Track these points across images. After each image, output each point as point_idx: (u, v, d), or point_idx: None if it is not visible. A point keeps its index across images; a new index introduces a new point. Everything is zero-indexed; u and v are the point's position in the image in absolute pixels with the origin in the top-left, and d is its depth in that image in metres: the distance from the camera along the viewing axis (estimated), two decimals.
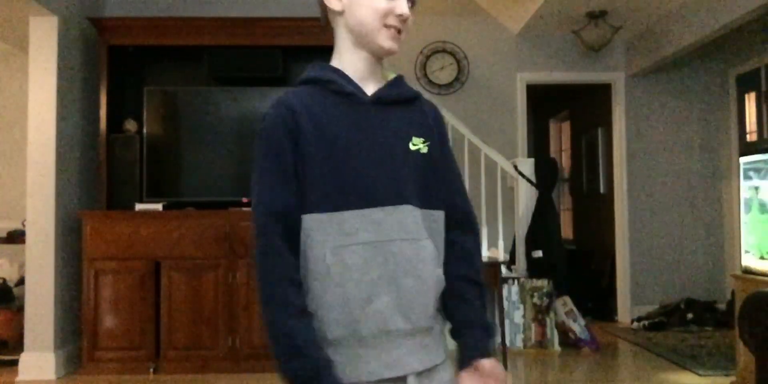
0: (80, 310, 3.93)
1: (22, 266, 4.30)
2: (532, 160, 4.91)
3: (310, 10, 4.50)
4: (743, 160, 3.52)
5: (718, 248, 5.67)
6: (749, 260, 3.40)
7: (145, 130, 4.20)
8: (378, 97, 1.19)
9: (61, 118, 3.94)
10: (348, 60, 1.21)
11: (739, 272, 3.52)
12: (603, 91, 5.94)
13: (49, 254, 3.82)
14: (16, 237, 4.45)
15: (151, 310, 3.90)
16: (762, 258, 3.30)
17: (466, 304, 1.21)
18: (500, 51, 5.65)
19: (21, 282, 4.34)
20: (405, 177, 1.16)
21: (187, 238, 3.91)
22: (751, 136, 5.37)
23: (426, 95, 5.16)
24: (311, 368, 1.06)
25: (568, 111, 7.70)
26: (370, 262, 1.09)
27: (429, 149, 1.21)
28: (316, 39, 4.20)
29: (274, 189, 1.12)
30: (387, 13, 1.16)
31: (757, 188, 3.40)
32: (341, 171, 1.12)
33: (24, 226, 4.00)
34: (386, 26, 1.16)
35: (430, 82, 5.61)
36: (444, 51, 5.62)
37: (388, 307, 1.09)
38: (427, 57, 5.62)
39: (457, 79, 5.59)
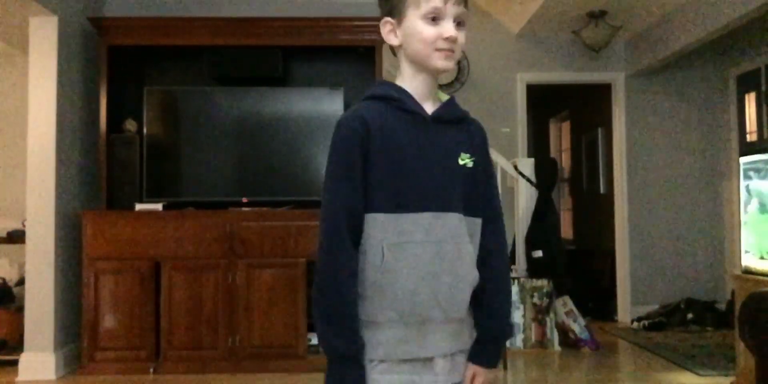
0: (80, 310, 3.92)
1: (22, 266, 4.30)
2: (532, 160, 4.91)
3: (310, 10, 4.53)
4: (743, 160, 3.52)
5: (718, 248, 5.67)
6: (749, 260, 3.40)
7: (145, 130, 4.20)
8: (437, 116, 1.35)
9: (61, 118, 3.94)
10: (410, 83, 1.36)
11: (739, 272, 3.52)
12: (603, 91, 5.94)
13: (49, 254, 3.82)
14: (16, 237, 4.44)
15: (151, 310, 3.90)
16: (762, 258, 3.30)
17: (486, 306, 1.38)
18: (500, 51, 5.65)
19: (21, 282, 4.34)
20: (453, 188, 1.33)
21: (187, 238, 3.91)
22: (751, 136, 5.37)
23: None
24: (354, 350, 1.24)
25: (568, 111, 7.70)
26: (419, 259, 1.27)
27: (474, 164, 1.37)
28: (316, 39, 4.22)
29: (344, 190, 1.27)
30: (436, 39, 1.29)
31: (754, 188, 3.40)
32: (402, 178, 1.28)
33: (24, 226, 4.00)
34: (438, 50, 1.29)
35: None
36: None
37: (429, 299, 1.27)
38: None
39: (457, 79, 5.59)
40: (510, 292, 1.44)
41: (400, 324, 1.27)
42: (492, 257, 1.39)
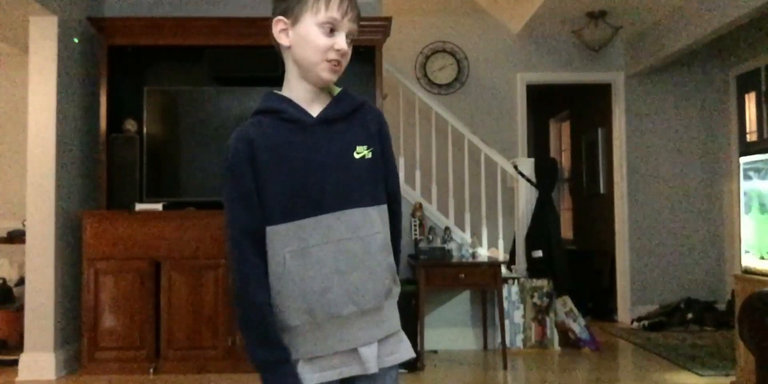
0: (80, 310, 3.92)
1: (22, 266, 4.30)
2: (532, 160, 4.91)
3: None
4: (743, 160, 3.52)
5: (718, 248, 5.67)
6: (749, 260, 3.40)
7: (145, 130, 4.20)
8: (321, 119, 1.36)
9: (61, 118, 3.94)
10: (295, 88, 1.39)
11: (739, 272, 3.52)
12: (603, 91, 5.94)
13: (49, 254, 3.82)
14: (16, 237, 4.44)
15: (151, 310, 3.90)
16: (762, 258, 3.30)
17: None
18: (500, 51, 5.65)
19: (21, 282, 4.34)
20: (353, 183, 1.34)
21: (187, 238, 3.91)
22: (751, 136, 5.37)
23: (426, 95, 5.15)
24: (278, 355, 1.29)
25: (568, 111, 7.70)
26: (323, 260, 1.29)
27: (373, 153, 1.38)
28: None
29: (240, 211, 1.32)
30: (328, 49, 1.32)
31: (754, 188, 3.40)
32: (294, 187, 1.31)
33: (24, 226, 4.00)
34: (327, 61, 1.32)
35: (430, 82, 5.61)
36: (444, 51, 5.63)
37: (340, 296, 1.29)
38: (427, 57, 5.62)
39: (457, 79, 5.59)
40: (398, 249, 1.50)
41: (314, 325, 1.30)
42: (398, 236, 1.46)
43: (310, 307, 1.29)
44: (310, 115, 1.36)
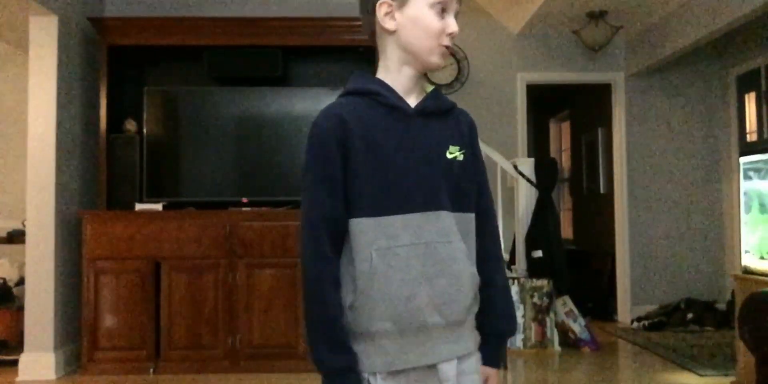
0: (80, 310, 3.92)
1: (22, 266, 4.30)
2: (532, 160, 4.91)
3: (310, 10, 4.53)
4: (743, 160, 3.52)
5: (718, 248, 5.67)
6: (749, 260, 3.40)
7: (145, 130, 4.20)
8: (421, 109, 1.26)
9: (61, 118, 3.94)
10: (394, 76, 1.28)
11: (739, 272, 3.52)
12: (603, 91, 5.94)
13: (49, 254, 3.82)
14: (16, 237, 4.44)
15: (151, 310, 3.90)
16: (762, 258, 3.30)
17: (497, 312, 1.34)
18: (500, 51, 5.65)
19: (21, 282, 4.34)
20: (441, 184, 1.25)
21: (187, 238, 3.91)
22: (751, 136, 5.37)
23: None
24: (346, 362, 1.19)
25: (568, 111, 7.70)
26: (410, 263, 1.19)
27: (464, 156, 1.29)
28: (316, 39, 4.21)
29: (323, 197, 1.20)
30: (440, 33, 1.22)
31: (754, 188, 3.40)
32: (386, 179, 1.21)
33: (24, 226, 4.00)
34: (440, 45, 1.23)
35: (430, 82, 5.61)
36: None
37: (426, 304, 1.19)
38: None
39: (457, 79, 5.59)
40: (509, 287, 1.40)
41: (397, 333, 1.19)
42: (489, 255, 1.33)
43: (394, 313, 1.18)
44: (408, 104, 1.26)
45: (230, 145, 4.24)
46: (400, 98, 1.26)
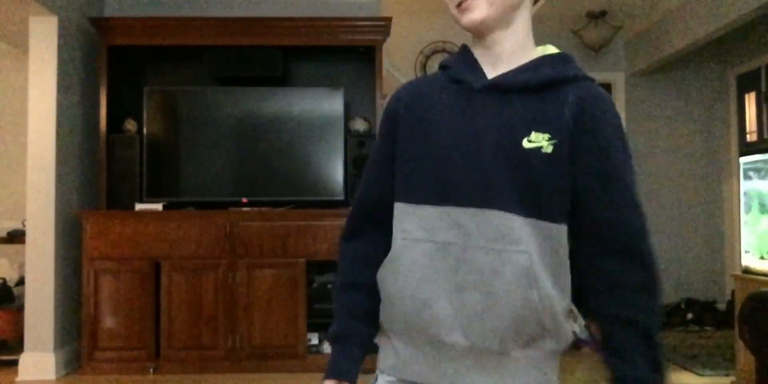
0: (80, 310, 3.92)
1: (22, 266, 4.30)
2: None
3: (310, 10, 4.52)
4: (743, 160, 3.52)
5: (718, 248, 5.67)
6: (749, 260, 3.40)
7: (145, 130, 4.20)
8: (492, 84, 1.04)
9: (61, 118, 3.94)
10: (473, 47, 1.12)
11: (739, 272, 3.52)
12: None
13: (49, 254, 3.82)
14: (16, 237, 4.44)
15: (151, 310, 3.90)
16: (762, 258, 3.30)
17: (618, 355, 1.07)
18: None
19: (21, 282, 4.34)
20: (501, 177, 1.00)
21: (187, 238, 3.91)
22: (751, 136, 5.37)
23: None
24: (338, 330, 1.14)
25: None
26: (437, 264, 1.02)
27: (555, 148, 1.01)
28: (316, 39, 4.21)
29: (368, 178, 1.16)
30: None
31: (754, 188, 3.40)
32: (429, 164, 1.05)
33: (24, 226, 4.00)
34: (456, 6, 1.05)
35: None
36: (444, 51, 5.62)
37: (447, 317, 1.00)
38: (427, 57, 5.62)
39: None
40: (649, 333, 1.03)
41: (408, 339, 1.06)
42: (606, 284, 1.03)
43: (406, 316, 1.04)
44: (483, 77, 1.06)
45: (230, 145, 4.24)
46: (478, 71, 1.07)
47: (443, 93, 1.08)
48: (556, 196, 1.02)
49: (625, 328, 1.04)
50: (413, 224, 1.05)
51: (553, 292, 1.01)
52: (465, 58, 1.09)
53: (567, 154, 1.01)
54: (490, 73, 1.06)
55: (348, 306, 1.14)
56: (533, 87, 1.03)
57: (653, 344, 1.03)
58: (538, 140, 1.01)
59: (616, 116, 1.06)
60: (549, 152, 1.00)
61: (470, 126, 1.03)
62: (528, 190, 1.00)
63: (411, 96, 1.12)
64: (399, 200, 1.08)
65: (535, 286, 0.99)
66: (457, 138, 1.04)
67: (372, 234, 1.14)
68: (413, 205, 1.05)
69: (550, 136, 1.01)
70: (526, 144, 1.01)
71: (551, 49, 1.09)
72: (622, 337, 1.05)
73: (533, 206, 1.01)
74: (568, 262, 1.04)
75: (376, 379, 1.12)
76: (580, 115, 1.02)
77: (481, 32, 1.06)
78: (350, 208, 1.20)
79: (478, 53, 1.09)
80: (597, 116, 1.03)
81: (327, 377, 1.11)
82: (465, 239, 1.01)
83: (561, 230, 1.03)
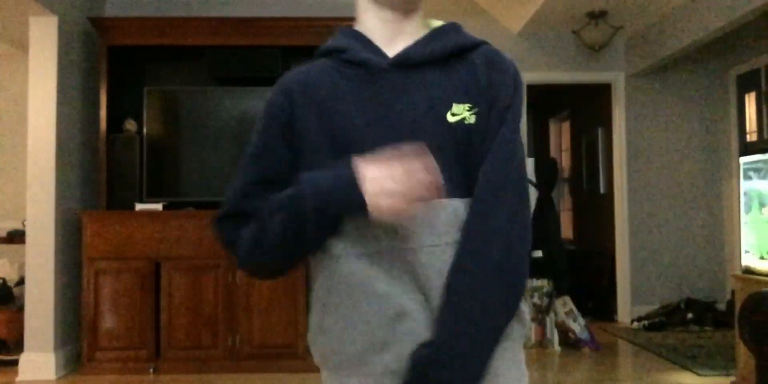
0: (80, 310, 3.92)
1: (22, 266, 4.29)
2: (532, 160, 4.91)
3: (310, 10, 4.52)
4: (743, 160, 3.52)
5: (718, 248, 5.67)
6: (749, 260, 3.40)
7: (145, 130, 4.20)
8: (399, 61, 0.95)
9: (61, 118, 3.94)
10: (366, 20, 1.00)
11: (739, 272, 3.53)
12: (603, 91, 5.94)
13: (49, 254, 3.82)
14: (16, 237, 4.44)
15: (151, 310, 3.90)
16: (762, 258, 3.30)
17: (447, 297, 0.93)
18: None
19: (21, 282, 4.34)
20: (440, 159, 0.88)
21: (187, 238, 3.91)
22: (751, 136, 5.37)
23: None
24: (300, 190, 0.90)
25: (568, 111, 7.70)
26: (395, 274, 0.91)
27: (477, 118, 0.93)
28: (316, 39, 4.21)
29: (242, 188, 0.98)
30: None
31: (754, 188, 3.40)
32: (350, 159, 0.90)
33: (24, 226, 4.00)
34: None
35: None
36: None
37: (422, 327, 0.90)
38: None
39: None
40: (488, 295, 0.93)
41: (377, 364, 0.94)
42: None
43: (375, 339, 0.91)
44: (384, 56, 0.96)
45: (230, 145, 4.24)
46: (375, 50, 0.96)
47: (341, 80, 0.95)
48: (478, 167, 0.94)
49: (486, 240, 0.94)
50: (352, 239, 0.92)
51: None
52: (357, 39, 0.98)
53: (489, 122, 0.94)
54: (389, 52, 0.97)
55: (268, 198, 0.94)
56: (443, 57, 0.96)
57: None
58: (460, 112, 0.93)
59: (518, 73, 0.99)
60: (473, 123, 0.93)
61: (387, 111, 0.93)
62: (462, 168, 0.93)
63: (302, 88, 0.97)
64: None
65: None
66: (372, 128, 0.93)
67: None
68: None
69: (470, 105, 0.94)
70: (450, 118, 0.93)
71: (437, 22, 1.03)
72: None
73: (467, 183, 0.93)
74: None
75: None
76: (492, 78, 0.96)
77: (411, 7, 0.99)
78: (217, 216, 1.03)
79: (374, 32, 0.98)
80: (504, 76, 0.97)
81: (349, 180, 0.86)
82: (412, 241, 0.91)
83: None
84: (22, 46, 4.44)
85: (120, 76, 4.27)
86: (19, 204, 4.53)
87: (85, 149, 4.23)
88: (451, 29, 1.00)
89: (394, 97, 0.94)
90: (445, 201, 0.91)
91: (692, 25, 4.60)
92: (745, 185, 3.48)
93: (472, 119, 0.93)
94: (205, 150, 4.21)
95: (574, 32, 5.23)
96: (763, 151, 3.45)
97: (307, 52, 4.95)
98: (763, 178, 3.35)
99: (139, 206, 4.00)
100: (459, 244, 0.92)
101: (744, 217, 3.49)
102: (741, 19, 4.09)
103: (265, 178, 0.96)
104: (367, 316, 0.92)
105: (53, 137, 3.86)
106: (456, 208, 0.92)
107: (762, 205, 3.35)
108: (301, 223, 0.90)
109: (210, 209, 4.04)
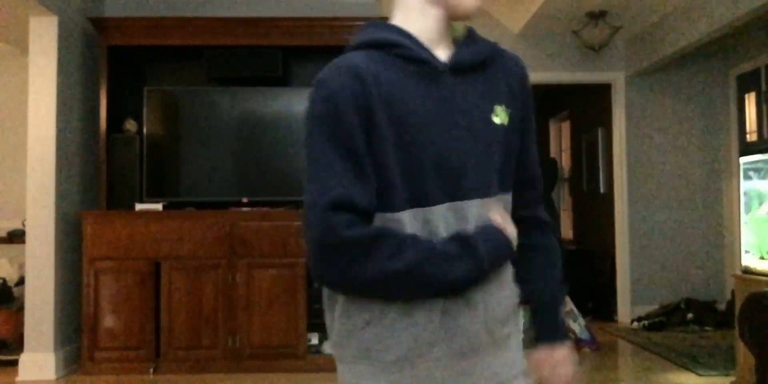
0: (80, 310, 3.92)
1: (22, 266, 4.29)
2: None
3: (310, 10, 4.52)
4: (743, 160, 3.52)
5: (718, 248, 5.67)
6: (749, 260, 3.40)
7: (145, 130, 4.20)
8: (457, 64, 0.98)
9: (61, 118, 3.94)
10: (416, 20, 0.99)
11: (739, 272, 3.52)
12: (603, 91, 5.94)
13: (49, 254, 3.82)
14: (16, 237, 4.44)
15: (151, 310, 3.90)
16: (762, 258, 3.30)
17: (537, 275, 1.13)
18: None
19: (21, 282, 4.34)
20: (489, 162, 0.98)
21: (187, 238, 3.91)
22: (751, 136, 5.37)
23: None
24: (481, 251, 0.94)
25: (568, 111, 7.70)
26: None
27: (510, 119, 1.01)
28: (316, 39, 4.21)
29: (337, 180, 0.88)
30: None
31: (754, 188, 3.40)
32: (420, 158, 0.93)
33: (24, 226, 4.00)
34: None
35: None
36: None
37: (475, 322, 0.97)
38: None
39: None
40: (557, 249, 1.17)
41: (427, 360, 0.99)
42: (538, 224, 1.11)
43: (431, 334, 0.96)
44: (438, 59, 0.97)
45: (230, 145, 4.24)
46: (428, 51, 0.97)
47: (405, 75, 0.95)
48: (511, 164, 1.03)
49: (553, 252, 1.15)
50: (423, 232, 0.94)
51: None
52: (407, 37, 0.97)
53: (517, 124, 1.03)
54: (435, 52, 1.00)
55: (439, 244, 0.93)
56: (482, 62, 1.01)
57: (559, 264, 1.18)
58: (500, 113, 1.00)
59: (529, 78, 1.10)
60: (506, 123, 1.01)
61: (447, 110, 0.96)
62: (501, 167, 1.00)
63: (373, 79, 0.93)
64: (392, 210, 0.93)
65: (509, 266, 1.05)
66: (439, 126, 0.95)
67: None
68: (413, 210, 0.93)
69: (505, 106, 1.01)
70: (494, 120, 1.00)
71: (457, 25, 1.05)
72: (540, 261, 1.14)
73: (504, 180, 1.02)
74: None
75: None
76: (522, 84, 1.06)
77: (460, 18, 1.03)
78: (312, 220, 0.90)
79: (421, 30, 0.99)
80: (526, 81, 1.09)
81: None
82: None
83: (510, 199, 1.05)
84: (22, 46, 4.44)
85: (120, 76, 4.27)
86: (19, 204, 4.53)
87: (85, 149, 4.23)
88: (475, 34, 1.05)
89: (452, 99, 0.97)
90: (492, 198, 0.99)
91: (692, 25, 4.59)
92: (745, 185, 3.48)
93: (506, 119, 1.00)
94: (205, 150, 4.21)
95: (574, 32, 5.23)
96: (763, 151, 3.45)
97: (307, 52, 4.96)
98: (763, 178, 3.35)
99: (139, 206, 4.00)
100: (540, 246, 1.12)
101: (744, 217, 3.49)
102: (741, 19, 4.09)
103: (356, 163, 0.91)
104: (420, 311, 0.94)
105: (53, 137, 3.86)
106: (507, 202, 1.03)
107: (762, 204, 3.35)
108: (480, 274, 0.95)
109: (210, 209, 4.04)
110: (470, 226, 0.95)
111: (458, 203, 0.95)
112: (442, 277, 0.90)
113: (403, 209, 0.92)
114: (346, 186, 0.88)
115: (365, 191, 0.89)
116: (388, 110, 0.92)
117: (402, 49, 0.96)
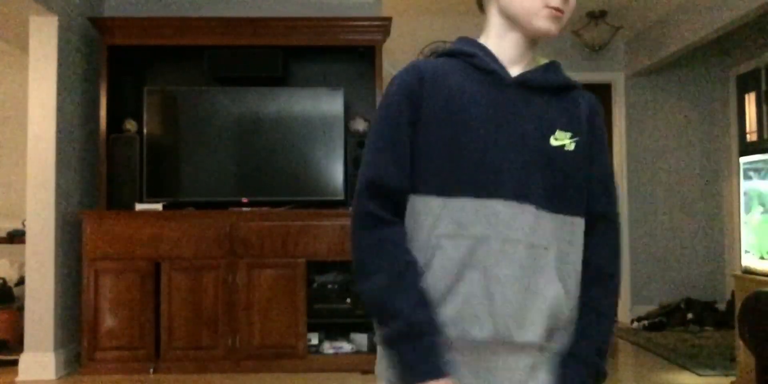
0: (80, 310, 3.92)
1: (22, 266, 4.30)
2: None
3: (310, 10, 4.52)
4: (743, 160, 3.52)
5: (718, 248, 5.67)
6: (749, 260, 3.40)
7: (145, 130, 4.20)
8: (523, 80, 1.07)
9: (61, 118, 3.94)
10: (496, 43, 1.10)
11: (739, 272, 3.52)
12: (603, 91, 5.94)
13: (49, 254, 3.82)
14: (16, 237, 4.44)
15: (151, 310, 3.90)
16: (762, 258, 3.30)
17: (580, 328, 1.08)
18: None
19: (21, 282, 4.34)
20: (536, 175, 1.03)
21: (187, 238, 3.91)
22: (751, 136, 5.37)
23: None
24: (417, 323, 0.98)
25: None
26: (482, 259, 1.00)
27: (576, 146, 1.07)
28: (316, 39, 4.21)
29: (380, 162, 1.03)
30: None
31: (754, 188, 3.40)
32: (464, 152, 1.02)
33: (24, 226, 4.00)
34: (548, 7, 1.04)
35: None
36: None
37: (483, 313, 0.99)
38: (427, 57, 5.60)
39: None
40: (611, 318, 1.11)
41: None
42: (599, 272, 1.09)
43: (450, 316, 1.00)
44: (507, 72, 1.07)
45: (230, 145, 4.24)
46: (498, 64, 1.07)
47: (469, 80, 1.06)
48: (577, 191, 1.08)
49: (601, 319, 1.10)
50: (444, 219, 1.01)
51: (574, 287, 1.06)
52: (484, 51, 1.09)
53: (586, 152, 1.09)
54: (510, 71, 1.09)
55: (417, 291, 0.99)
56: (556, 88, 1.10)
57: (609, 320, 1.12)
58: (562, 138, 1.07)
59: (602, 116, 1.17)
60: (571, 150, 1.07)
61: (506, 119, 1.04)
62: (554, 187, 1.05)
63: (434, 78, 1.06)
64: (423, 192, 1.02)
65: (567, 280, 1.04)
66: (490, 129, 1.03)
67: (400, 225, 1.03)
68: (445, 198, 1.01)
69: (572, 134, 1.07)
70: (552, 142, 1.06)
71: (543, 59, 1.14)
72: (595, 326, 1.10)
73: (557, 201, 1.05)
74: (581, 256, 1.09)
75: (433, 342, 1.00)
76: (593, 120, 1.12)
77: (537, 40, 1.11)
78: (359, 189, 1.05)
79: (500, 50, 1.10)
80: (599, 119, 1.15)
81: (428, 378, 0.97)
82: (503, 233, 1.01)
83: (578, 223, 1.08)
84: (22, 46, 4.44)
85: (120, 76, 4.27)
86: (19, 204, 4.53)
87: (85, 149, 4.23)
88: (559, 66, 1.12)
89: (512, 110, 1.05)
90: (533, 208, 1.03)
91: (692, 25, 4.60)
92: (745, 185, 3.48)
93: (571, 146, 1.07)
94: (205, 150, 4.21)
95: (574, 32, 5.23)
96: (763, 151, 3.45)
97: (307, 52, 4.96)
98: (763, 178, 3.35)
99: (139, 206, 4.00)
100: (596, 264, 1.10)
101: (744, 217, 3.49)
102: (741, 19, 4.09)
103: (396, 148, 1.04)
104: (501, 295, 1.00)
105: (53, 137, 3.86)
106: (542, 217, 1.04)
107: (762, 205, 3.35)
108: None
109: (210, 209, 4.04)
110: (497, 224, 1.00)
111: (489, 201, 1.01)
112: (386, 311, 1.00)
113: (435, 194, 1.02)
114: (382, 168, 1.03)
115: (399, 173, 1.02)
116: (442, 106, 1.03)
117: (474, 59, 1.08)
